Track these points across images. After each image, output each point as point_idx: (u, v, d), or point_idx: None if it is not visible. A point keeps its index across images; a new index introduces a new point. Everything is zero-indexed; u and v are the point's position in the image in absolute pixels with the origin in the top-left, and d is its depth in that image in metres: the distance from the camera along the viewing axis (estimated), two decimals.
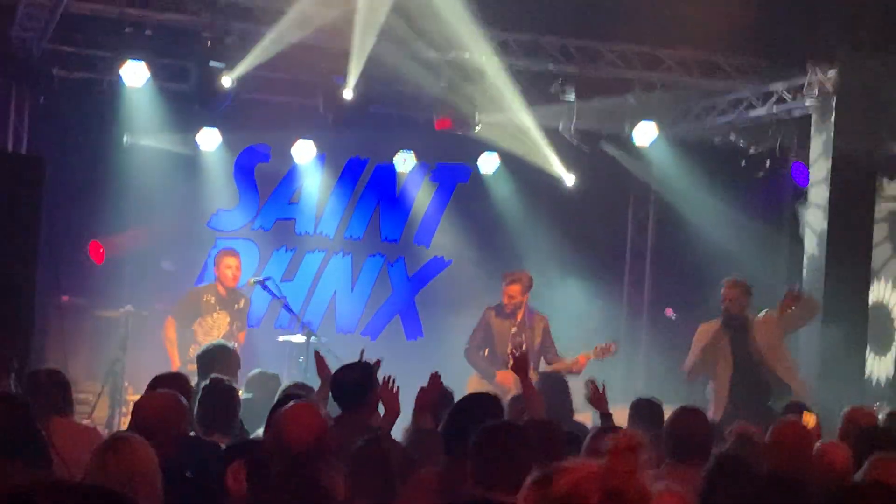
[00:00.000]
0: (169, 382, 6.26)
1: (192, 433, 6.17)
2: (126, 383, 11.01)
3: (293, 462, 4.60)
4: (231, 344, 9.23)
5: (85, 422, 8.90)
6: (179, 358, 10.70)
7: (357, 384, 6.55)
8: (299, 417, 4.72)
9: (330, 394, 6.77)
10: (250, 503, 4.61)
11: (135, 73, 11.46)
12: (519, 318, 11.06)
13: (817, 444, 5.83)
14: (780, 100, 12.25)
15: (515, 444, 4.42)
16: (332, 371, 6.95)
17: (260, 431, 6.19)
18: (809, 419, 7.24)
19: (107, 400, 11.09)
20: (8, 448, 4.87)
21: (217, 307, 11.04)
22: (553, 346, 11.04)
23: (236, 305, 11.14)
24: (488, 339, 11.23)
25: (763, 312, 10.18)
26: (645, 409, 7.12)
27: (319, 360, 7.37)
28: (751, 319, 10.01)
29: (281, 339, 12.00)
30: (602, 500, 2.28)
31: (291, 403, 5.07)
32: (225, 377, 6.92)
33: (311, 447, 4.61)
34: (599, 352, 10.71)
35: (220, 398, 6.58)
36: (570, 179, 13.90)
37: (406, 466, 5.54)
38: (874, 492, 3.09)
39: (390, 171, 14.41)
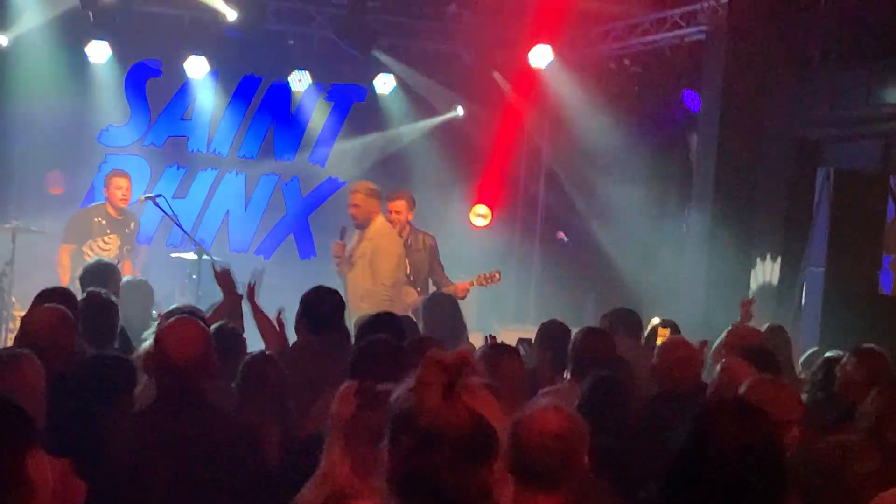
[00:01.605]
0: (54, 297, 6.15)
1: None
2: (13, 299, 10.82)
3: (176, 378, 4.49)
4: (114, 261, 9.04)
5: None
6: (69, 281, 10.52)
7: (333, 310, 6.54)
8: (182, 332, 4.60)
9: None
10: (124, 425, 4.57)
11: None
12: (404, 236, 10.76)
13: (722, 360, 5.96)
14: (675, 25, 12.34)
15: (389, 358, 4.44)
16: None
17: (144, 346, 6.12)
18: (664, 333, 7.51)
19: None
20: None
21: (108, 229, 10.84)
22: (440, 267, 10.67)
23: (127, 228, 10.96)
24: None
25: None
26: (555, 331, 7.18)
27: (222, 276, 7.34)
28: None
29: (173, 255, 11.87)
30: (400, 410, 2.31)
31: (175, 318, 5.00)
32: (102, 290, 6.82)
33: (195, 362, 4.50)
34: (483, 279, 10.67)
35: (99, 310, 6.50)
36: (459, 111, 14.05)
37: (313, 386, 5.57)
38: (739, 410, 3.22)
39: (285, 89, 14.26)
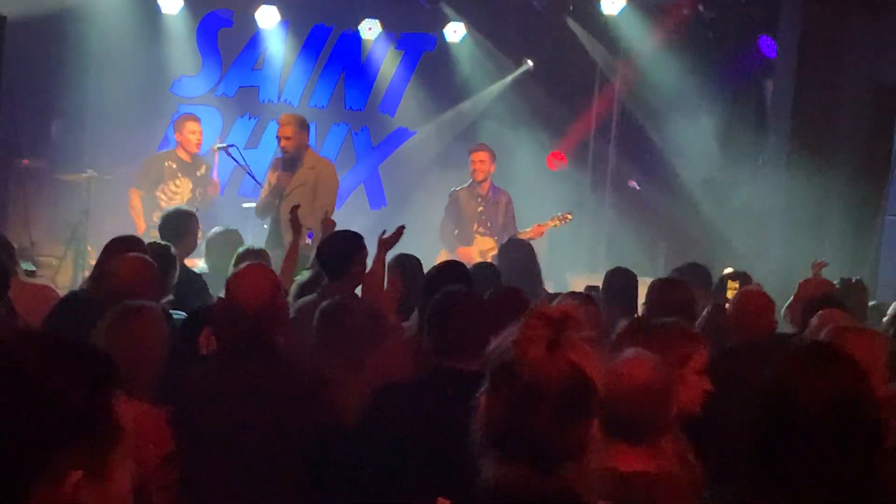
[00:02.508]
0: (126, 245, 6.11)
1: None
2: (89, 247, 10.95)
3: (245, 325, 4.41)
4: (192, 208, 9.10)
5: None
6: (144, 224, 10.63)
7: (342, 253, 6.40)
8: (250, 280, 4.53)
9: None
10: (199, 374, 4.54)
11: None
12: (485, 191, 11.21)
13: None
14: None
15: (468, 310, 4.34)
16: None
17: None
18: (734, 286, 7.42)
19: (70, 263, 11.04)
20: None
21: (179, 173, 10.92)
22: (514, 222, 11.17)
23: (198, 171, 11.03)
24: (457, 218, 11.39)
25: None
26: (618, 280, 7.14)
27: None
28: None
29: (245, 205, 11.93)
30: (504, 363, 2.30)
31: (243, 266, 4.95)
32: (163, 242, 6.83)
33: (264, 310, 4.42)
34: (556, 220, 10.98)
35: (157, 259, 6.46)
36: (529, 64, 14.00)
37: (378, 333, 5.51)
38: (827, 355, 3.02)
39: (355, 38, 14.23)
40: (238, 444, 4.31)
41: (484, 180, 11.29)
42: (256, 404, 4.33)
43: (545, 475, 2.27)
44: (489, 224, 11.15)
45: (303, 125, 10.18)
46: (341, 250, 6.41)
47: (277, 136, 10.14)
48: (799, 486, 2.80)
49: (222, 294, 6.10)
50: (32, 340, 1.81)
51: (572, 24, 13.81)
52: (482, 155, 11.30)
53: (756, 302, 6.05)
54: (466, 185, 11.50)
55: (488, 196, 11.26)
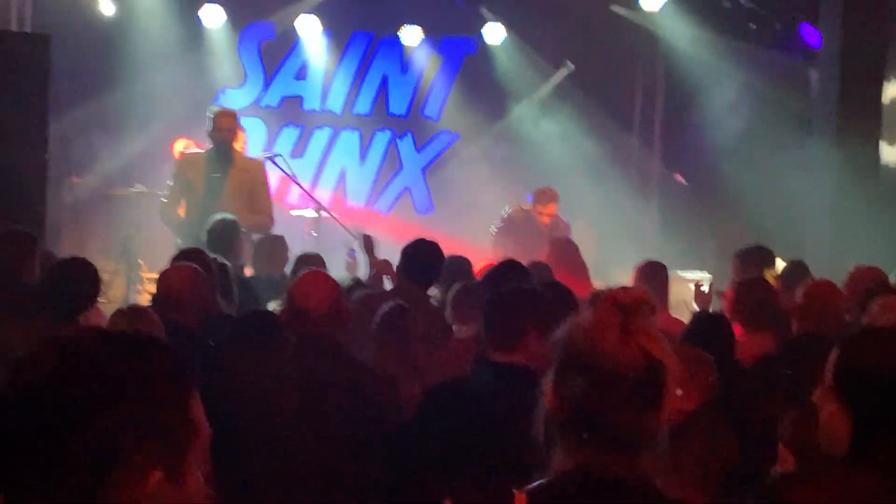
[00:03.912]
0: (190, 257, 6.25)
1: None
2: (140, 261, 11.07)
3: (311, 328, 4.59)
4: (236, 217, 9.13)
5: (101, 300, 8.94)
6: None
7: (432, 262, 6.63)
8: (314, 285, 4.71)
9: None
10: (269, 373, 4.66)
11: None
12: (545, 227, 11.19)
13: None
14: None
15: (506, 305, 4.41)
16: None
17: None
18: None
19: (122, 278, 11.16)
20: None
21: None
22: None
23: None
24: (513, 232, 11.29)
25: None
26: (647, 271, 7.15)
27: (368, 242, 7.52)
28: None
29: (292, 214, 12.02)
30: (577, 352, 2.29)
31: (305, 270, 5.10)
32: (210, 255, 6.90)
33: (329, 312, 4.60)
34: None
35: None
36: (570, 66, 13.98)
37: (437, 332, 5.62)
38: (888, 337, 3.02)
39: (396, 44, 14.28)
40: (302, 436, 4.47)
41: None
42: (322, 398, 4.50)
43: (627, 461, 2.28)
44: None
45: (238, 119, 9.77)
46: (429, 257, 6.65)
47: (221, 128, 9.32)
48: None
49: (273, 299, 6.22)
50: (111, 339, 1.83)
51: (612, 21, 13.77)
52: (552, 208, 11.22)
53: (825, 292, 6.00)
54: (524, 208, 11.41)
55: (548, 230, 11.08)
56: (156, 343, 1.85)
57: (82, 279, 5.63)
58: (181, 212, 9.40)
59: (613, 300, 2.29)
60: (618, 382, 2.25)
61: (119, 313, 4.92)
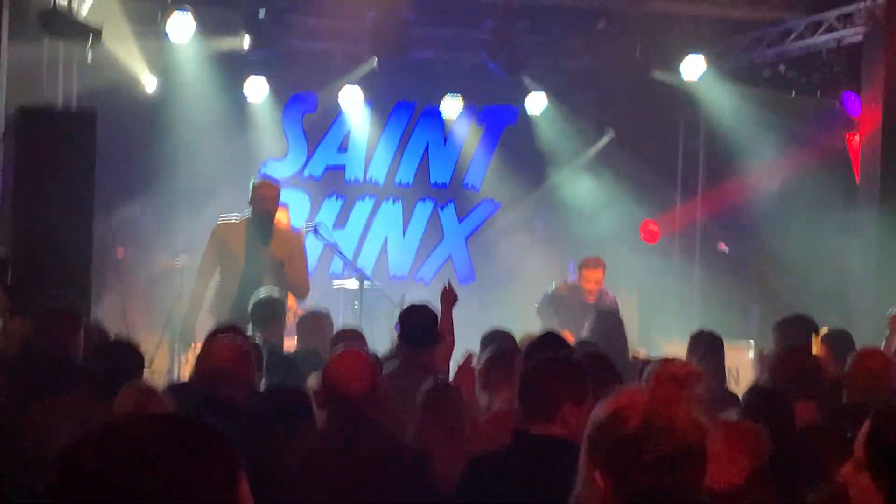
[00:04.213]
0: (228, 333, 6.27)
1: None
2: None
3: (347, 408, 4.53)
4: (280, 293, 9.19)
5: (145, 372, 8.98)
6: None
7: (427, 326, 6.64)
8: (350, 363, 4.65)
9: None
10: (301, 453, 4.63)
11: (181, 25, 11.47)
12: (591, 301, 10.75)
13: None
14: (830, 28, 12.06)
15: (544, 377, 4.37)
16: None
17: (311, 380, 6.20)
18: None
19: (166, 349, 11.21)
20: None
21: None
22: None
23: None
24: (558, 308, 10.94)
25: None
26: (704, 342, 7.10)
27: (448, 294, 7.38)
28: None
29: (335, 285, 12.06)
30: (640, 427, 2.29)
31: (341, 349, 5.05)
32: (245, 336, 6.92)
33: (364, 392, 4.53)
34: None
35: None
36: (611, 134, 14.03)
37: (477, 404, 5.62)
38: None
39: (437, 114, 14.38)
40: None
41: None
42: (359, 477, 4.44)
43: None
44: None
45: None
46: (423, 321, 6.65)
47: (265, 198, 9.29)
48: None
49: (315, 375, 6.22)
50: (162, 424, 1.83)
51: (654, 88, 13.81)
52: (598, 274, 10.83)
53: (875, 362, 5.94)
54: (569, 283, 11.22)
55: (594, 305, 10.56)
56: (204, 425, 1.85)
57: (126, 361, 5.67)
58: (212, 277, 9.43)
59: (673, 376, 2.30)
60: (687, 458, 2.26)
61: (127, 394, 4.86)
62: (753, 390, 5.64)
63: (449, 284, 7.22)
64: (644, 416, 2.28)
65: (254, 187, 9.43)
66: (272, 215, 9.37)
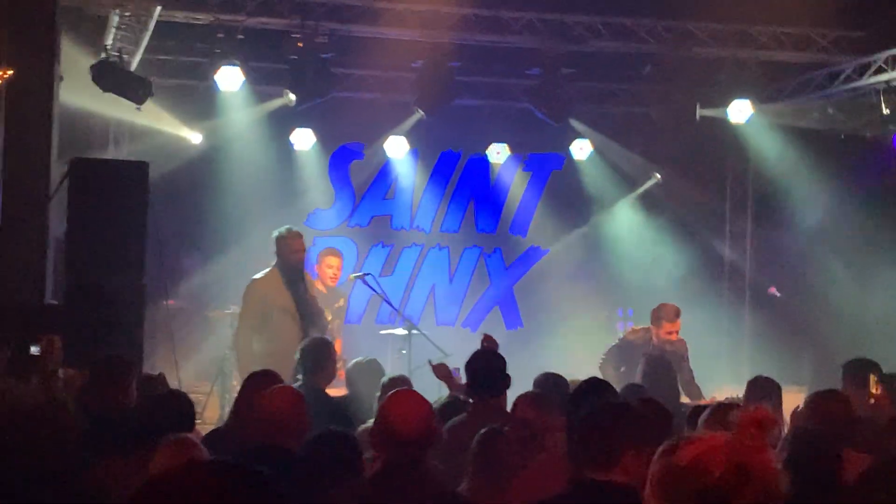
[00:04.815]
0: (266, 380, 6.30)
1: None
2: (235, 382, 11.14)
3: (402, 451, 4.52)
4: (329, 337, 9.22)
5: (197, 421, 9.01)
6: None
7: (497, 372, 6.61)
8: (406, 405, 4.63)
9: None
10: (350, 501, 4.60)
11: (229, 78, 11.59)
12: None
13: None
14: (879, 70, 11.99)
15: (604, 423, 4.29)
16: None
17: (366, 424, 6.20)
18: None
19: (216, 399, 11.25)
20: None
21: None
22: (692, 375, 10.50)
23: (336, 304, 11.20)
24: (626, 358, 10.49)
25: None
26: (762, 387, 7.04)
27: (440, 370, 7.46)
28: None
29: (382, 332, 12.06)
30: (725, 473, 2.25)
31: (395, 391, 5.03)
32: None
33: (421, 434, 4.52)
34: None
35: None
36: (657, 177, 13.99)
37: (530, 450, 5.56)
38: None
39: (483, 163, 14.45)
40: None
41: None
42: None
43: None
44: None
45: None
46: (494, 367, 6.60)
47: (299, 250, 9.68)
48: None
49: (366, 422, 6.21)
50: (204, 471, 1.84)
51: (701, 131, 13.76)
52: (679, 324, 10.37)
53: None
54: (641, 329, 10.92)
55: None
56: (258, 474, 1.85)
57: (178, 414, 5.68)
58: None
59: (758, 423, 2.27)
60: (777, 497, 2.26)
61: (167, 445, 4.82)
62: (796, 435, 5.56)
63: (487, 336, 7.27)
64: (729, 463, 2.25)
65: (282, 238, 9.68)
66: (303, 263, 9.78)
